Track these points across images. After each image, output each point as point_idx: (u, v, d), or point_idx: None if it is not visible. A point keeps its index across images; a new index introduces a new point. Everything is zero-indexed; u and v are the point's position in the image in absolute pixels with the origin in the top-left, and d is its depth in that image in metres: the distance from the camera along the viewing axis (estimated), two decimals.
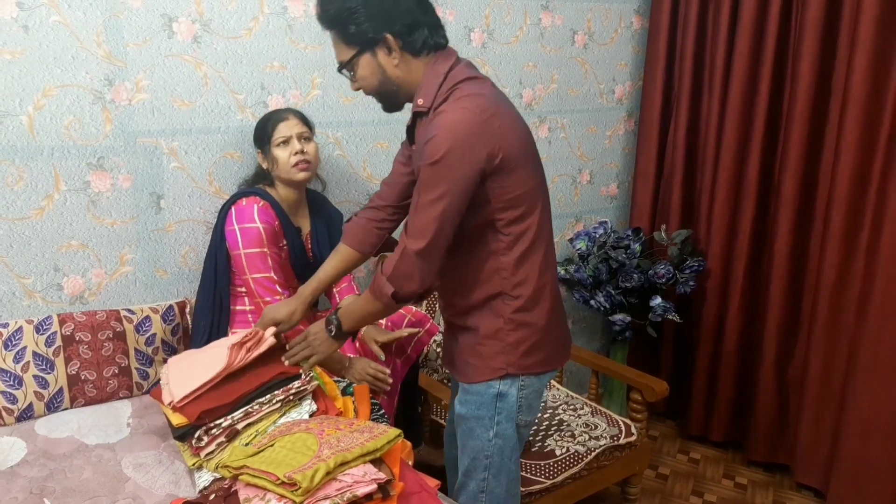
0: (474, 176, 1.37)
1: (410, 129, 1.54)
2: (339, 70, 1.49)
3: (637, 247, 2.79)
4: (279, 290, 1.93)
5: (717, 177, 2.75)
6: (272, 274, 1.93)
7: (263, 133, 1.99)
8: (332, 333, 1.61)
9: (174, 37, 2.00)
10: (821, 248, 2.44)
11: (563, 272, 2.85)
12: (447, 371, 1.72)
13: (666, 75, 2.94)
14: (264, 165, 2.02)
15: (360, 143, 2.40)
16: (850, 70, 2.27)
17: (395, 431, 1.51)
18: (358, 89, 1.51)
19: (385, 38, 1.40)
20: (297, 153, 1.96)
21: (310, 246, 2.11)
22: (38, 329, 1.87)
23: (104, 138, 1.96)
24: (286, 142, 1.96)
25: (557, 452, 2.12)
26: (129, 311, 2.00)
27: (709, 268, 2.81)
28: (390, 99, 1.51)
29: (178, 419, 1.66)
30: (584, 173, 3.04)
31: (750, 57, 2.60)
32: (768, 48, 2.54)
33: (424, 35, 1.42)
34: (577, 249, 2.84)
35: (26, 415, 1.85)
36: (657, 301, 2.73)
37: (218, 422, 1.63)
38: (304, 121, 2.02)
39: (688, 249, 2.82)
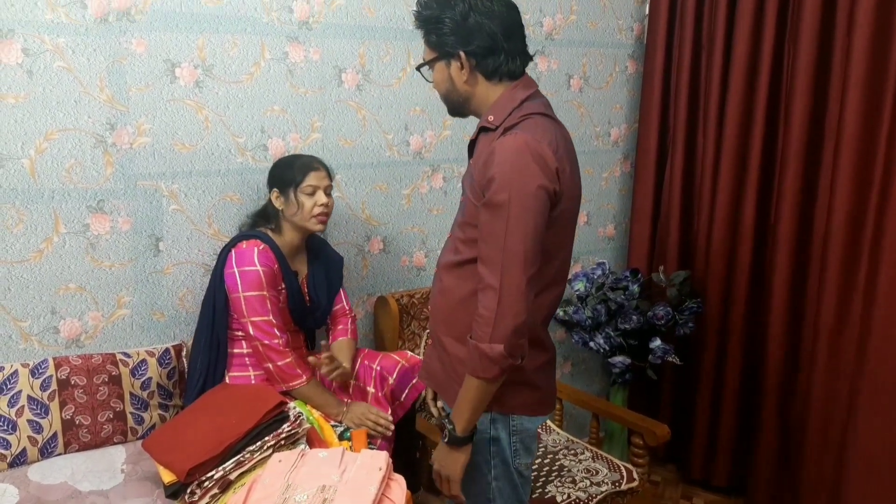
0: (545, 198, 1.36)
1: (472, 143, 1.54)
2: (417, 68, 1.56)
3: (635, 288, 2.78)
4: (277, 333, 1.92)
5: (713, 218, 2.77)
6: (271, 317, 1.92)
7: (290, 176, 1.98)
8: (447, 440, 1.46)
9: (176, 81, 2.03)
10: (818, 290, 2.44)
11: (561, 313, 2.85)
12: (426, 383, 1.68)
13: (661, 118, 2.98)
14: (278, 206, 2.01)
15: (359, 186, 2.42)
16: (842, 110, 2.30)
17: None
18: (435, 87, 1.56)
19: (459, 54, 1.45)
20: (321, 205, 1.98)
21: (306, 290, 2.11)
22: (34, 373, 1.85)
23: (105, 181, 1.97)
24: (314, 192, 1.98)
25: (559, 499, 2.09)
26: (125, 354, 1.99)
27: (707, 309, 2.80)
28: (455, 107, 1.56)
29: (168, 476, 1.65)
30: (582, 214, 3.05)
31: (743, 98, 2.64)
32: (761, 90, 2.58)
33: (499, 61, 1.46)
34: (576, 290, 2.84)
35: (19, 460, 1.82)
36: (657, 343, 2.72)
37: (209, 474, 1.62)
38: (330, 174, 2.04)
39: (686, 291, 2.82)
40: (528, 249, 1.34)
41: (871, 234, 2.28)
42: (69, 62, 1.87)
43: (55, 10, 1.84)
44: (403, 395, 2.13)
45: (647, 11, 3.01)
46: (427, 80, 1.56)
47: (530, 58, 1.53)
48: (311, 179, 1.97)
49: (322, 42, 2.25)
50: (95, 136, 1.94)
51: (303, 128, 2.26)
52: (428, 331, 2.53)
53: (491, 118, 1.46)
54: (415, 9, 1.51)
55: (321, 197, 1.98)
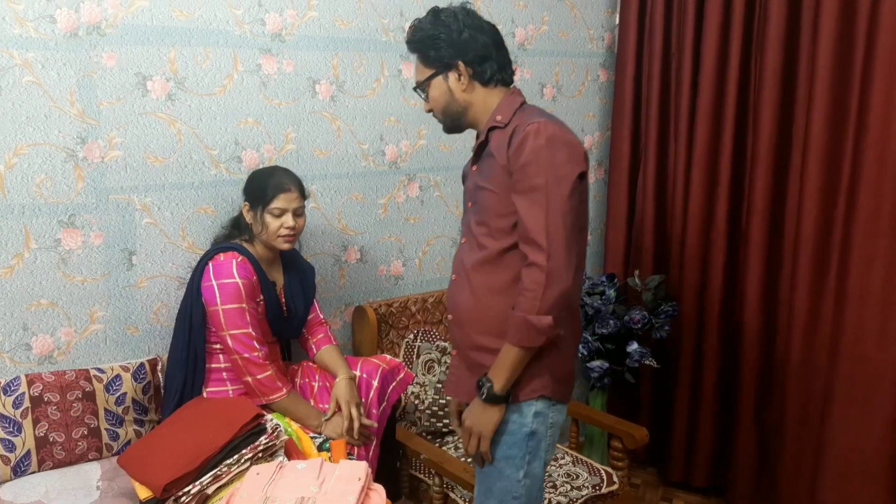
0: (577, 179, 1.48)
1: (479, 148, 1.62)
2: (415, 89, 1.66)
3: (612, 293, 2.81)
4: (257, 346, 1.91)
5: (686, 223, 2.80)
6: (250, 330, 1.91)
7: (261, 194, 1.97)
8: (485, 397, 1.50)
9: (148, 95, 2.02)
10: (790, 291, 2.48)
11: None
12: (455, 397, 1.70)
13: (633, 125, 3.02)
14: (248, 219, 2.00)
15: (335, 196, 2.42)
16: (809, 117, 2.35)
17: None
18: (429, 111, 1.67)
19: (457, 64, 1.57)
20: (288, 227, 1.97)
21: (284, 300, 2.10)
22: (6, 390, 1.82)
23: (76, 196, 1.95)
24: (281, 214, 1.96)
25: None
26: (99, 370, 1.96)
27: (683, 312, 2.83)
28: (453, 120, 1.65)
29: (144, 493, 1.64)
30: None
31: (713, 105, 2.68)
32: (730, 97, 2.63)
33: (494, 69, 1.60)
34: None
35: None
36: (634, 346, 2.74)
37: (186, 489, 1.61)
38: (302, 193, 2.02)
39: (661, 294, 2.85)
40: (569, 225, 1.45)
41: (841, 236, 2.33)
42: (38, 77, 1.86)
43: (24, 25, 1.83)
44: (385, 400, 2.12)
45: (617, 21, 3.06)
46: (425, 101, 1.65)
47: (514, 72, 1.66)
48: (280, 202, 1.95)
49: (295, 54, 2.26)
50: (66, 151, 1.92)
51: (277, 139, 2.26)
52: (406, 339, 2.53)
53: (499, 118, 1.57)
54: (407, 36, 1.63)
55: (288, 219, 1.96)
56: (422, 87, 1.64)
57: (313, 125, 2.33)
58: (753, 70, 2.59)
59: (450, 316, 1.65)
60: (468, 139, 2.69)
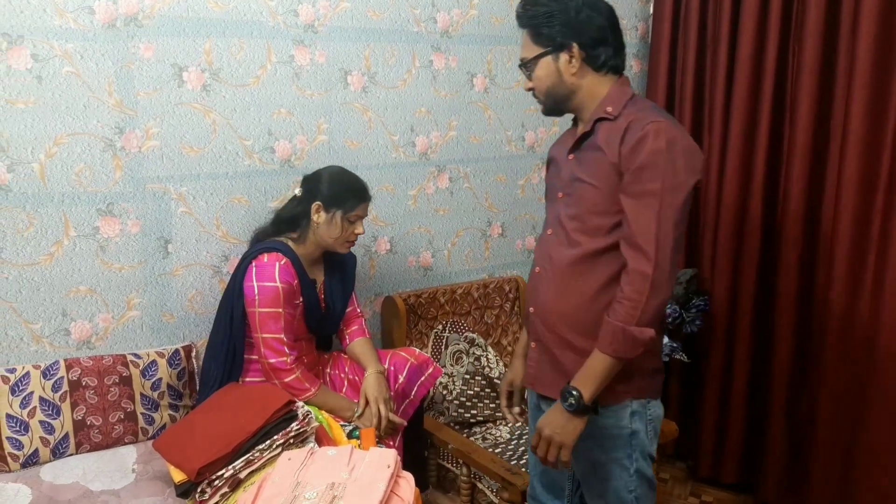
0: (692, 190, 1.42)
1: (581, 138, 1.54)
2: (520, 66, 1.57)
3: None
4: (287, 351, 1.91)
5: (719, 216, 2.76)
6: (282, 335, 1.91)
7: (341, 198, 1.96)
8: (573, 408, 1.43)
9: (184, 85, 2.05)
10: (826, 287, 2.43)
11: None
12: (546, 396, 1.63)
13: None
14: (316, 220, 1.97)
15: None
16: (848, 110, 2.30)
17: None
18: (529, 89, 1.57)
19: (571, 46, 1.48)
20: (358, 233, 2.01)
21: (323, 297, 2.11)
22: (45, 374, 1.88)
23: (114, 185, 1.99)
24: (356, 220, 1.99)
25: None
26: (136, 355, 2.01)
27: (715, 307, 2.80)
28: (556, 103, 1.56)
29: (178, 476, 1.67)
30: None
31: (748, 98, 2.63)
32: (766, 89, 2.58)
33: (608, 54, 1.51)
34: None
35: (32, 460, 1.84)
36: (664, 341, 2.72)
37: (219, 473, 1.64)
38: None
39: (693, 288, 2.82)
40: (678, 237, 1.40)
41: (879, 231, 2.28)
42: (78, 67, 1.90)
43: (63, 17, 1.86)
44: (413, 393, 2.14)
45: (651, 11, 3.02)
46: (528, 79, 1.56)
47: (625, 58, 1.57)
48: (361, 209, 1.99)
49: (327, 45, 2.27)
50: (104, 140, 1.96)
51: (309, 130, 2.28)
52: (435, 330, 2.54)
53: (609, 109, 1.49)
54: (519, 9, 1.54)
55: (360, 226, 2.00)
56: (527, 64, 1.54)
57: (345, 116, 2.35)
58: (791, 61, 2.54)
59: (531, 308, 1.61)
60: (498, 131, 2.70)
